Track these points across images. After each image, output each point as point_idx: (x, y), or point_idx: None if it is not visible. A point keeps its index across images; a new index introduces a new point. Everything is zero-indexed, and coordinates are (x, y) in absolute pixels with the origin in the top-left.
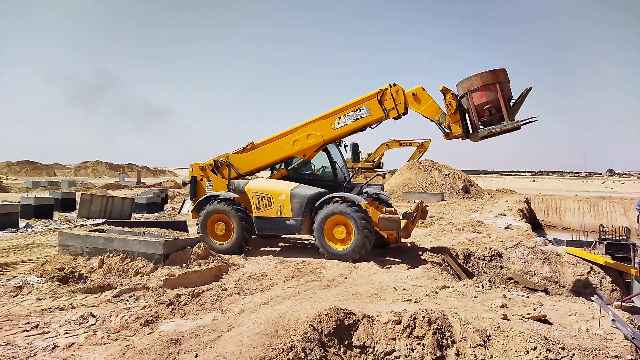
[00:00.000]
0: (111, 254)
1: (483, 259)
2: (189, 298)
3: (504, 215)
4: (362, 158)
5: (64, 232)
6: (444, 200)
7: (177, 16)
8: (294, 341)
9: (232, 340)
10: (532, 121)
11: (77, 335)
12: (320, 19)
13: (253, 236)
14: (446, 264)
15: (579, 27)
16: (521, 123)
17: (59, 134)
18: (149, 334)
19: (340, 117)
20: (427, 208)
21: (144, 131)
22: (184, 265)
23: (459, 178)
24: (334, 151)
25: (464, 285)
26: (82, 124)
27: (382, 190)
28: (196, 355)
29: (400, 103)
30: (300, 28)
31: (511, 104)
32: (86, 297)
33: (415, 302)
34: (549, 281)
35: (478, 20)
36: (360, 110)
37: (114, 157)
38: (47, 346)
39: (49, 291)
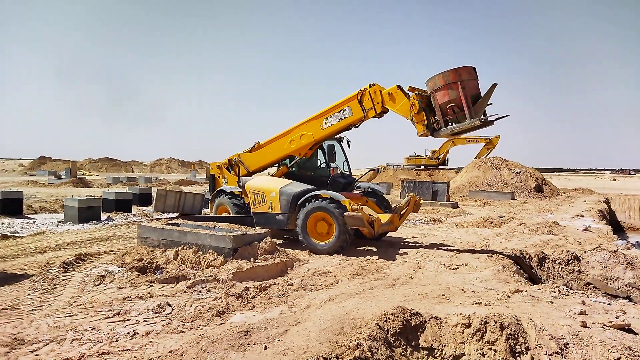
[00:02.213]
0: (185, 247)
1: (559, 263)
2: (256, 291)
3: (582, 216)
4: (427, 154)
5: (142, 225)
6: (515, 199)
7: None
8: (360, 339)
9: (299, 335)
10: (500, 118)
11: (155, 323)
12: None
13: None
14: (519, 267)
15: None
16: (482, 120)
17: (136, 133)
18: (221, 324)
19: (327, 118)
20: (421, 201)
21: (208, 129)
22: (252, 259)
23: (531, 176)
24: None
25: (539, 289)
26: (154, 125)
27: (448, 189)
28: (265, 347)
29: (378, 103)
30: (311, 18)
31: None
32: (162, 287)
33: (486, 305)
34: (633, 288)
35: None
36: (344, 110)
37: (185, 154)
38: (128, 332)
39: (129, 280)
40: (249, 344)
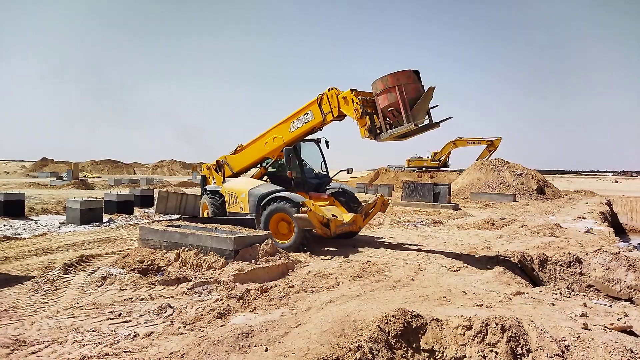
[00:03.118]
0: (186, 249)
1: (561, 265)
2: (257, 293)
3: (584, 218)
4: (428, 156)
5: (144, 226)
6: (516, 201)
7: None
8: (361, 341)
9: (300, 337)
10: (443, 120)
11: (156, 325)
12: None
13: None
14: (520, 269)
15: None
16: (417, 124)
17: (139, 135)
18: (222, 326)
19: (294, 122)
20: (389, 201)
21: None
22: (253, 261)
23: (532, 178)
24: (305, 150)
25: (540, 292)
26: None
27: (450, 190)
28: (266, 349)
29: (334, 107)
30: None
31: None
32: (164, 288)
33: (487, 307)
34: (635, 290)
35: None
36: (307, 114)
37: (186, 156)
38: (129, 334)
39: (130, 282)
40: (249, 345)
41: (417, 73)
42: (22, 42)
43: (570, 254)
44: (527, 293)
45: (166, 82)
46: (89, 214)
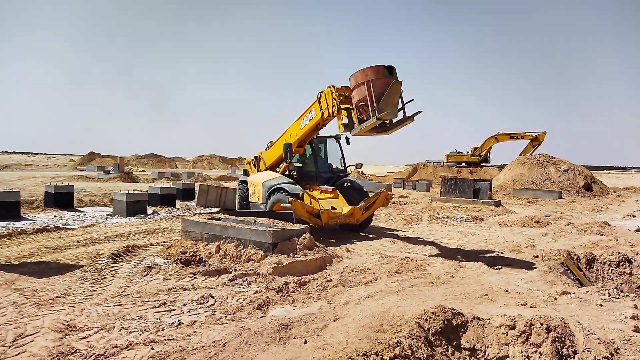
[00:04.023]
0: (226, 241)
1: (609, 265)
2: (296, 286)
3: (634, 216)
4: (468, 151)
5: (186, 219)
6: (562, 198)
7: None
8: (400, 337)
9: (339, 331)
10: (416, 114)
11: (199, 314)
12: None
13: None
14: (566, 268)
15: None
16: (384, 119)
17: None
18: (262, 317)
19: (303, 119)
20: (392, 195)
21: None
22: (291, 254)
23: (579, 174)
24: (327, 146)
25: (588, 292)
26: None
27: (491, 186)
28: (305, 342)
29: (330, 103)
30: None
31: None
32: (205, 279)
33: (531, 307)
34: None
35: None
36: (312, 112)
37: (225, 151)
38: (173, 322)
39: (174, 272)
40: (289, 337)
41: (389, 68)
42: (59, 40)
43: (619, 253)
44: (574, 293)
45: (207, 80)
46: (135, 206)
